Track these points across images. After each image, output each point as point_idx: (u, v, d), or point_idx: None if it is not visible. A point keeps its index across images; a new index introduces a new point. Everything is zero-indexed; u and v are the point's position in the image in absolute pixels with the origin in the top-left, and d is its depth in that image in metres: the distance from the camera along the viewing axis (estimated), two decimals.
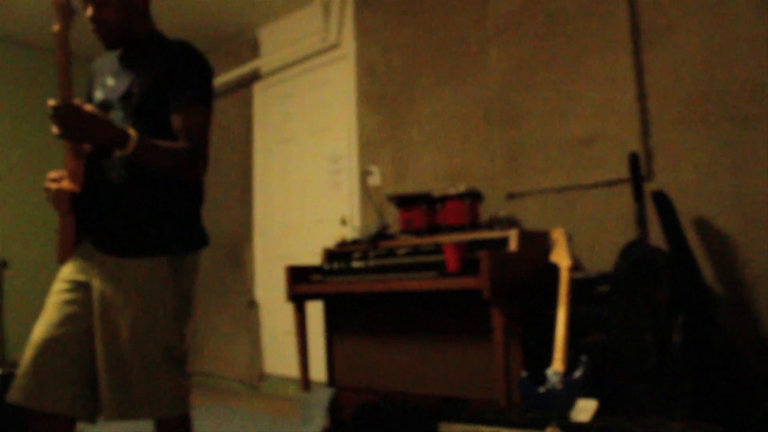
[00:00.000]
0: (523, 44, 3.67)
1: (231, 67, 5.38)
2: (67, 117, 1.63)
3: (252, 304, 5.25)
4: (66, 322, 1.79)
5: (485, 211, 3.45)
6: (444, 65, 4.02)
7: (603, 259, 3.21)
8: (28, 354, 1.77)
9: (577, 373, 2.51)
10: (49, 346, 1.76)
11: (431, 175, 4.02)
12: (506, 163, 3.70)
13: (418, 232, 3.34)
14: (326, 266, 3.40)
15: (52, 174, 1.85)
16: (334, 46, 4.71)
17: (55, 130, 1.65)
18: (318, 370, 3.82)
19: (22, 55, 5.66)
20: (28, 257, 5.26)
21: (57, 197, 1.75)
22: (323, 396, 3.23)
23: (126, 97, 1.86)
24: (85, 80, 2.08)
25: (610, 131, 3.31)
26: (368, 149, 4.38)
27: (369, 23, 4.48)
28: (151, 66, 1.88)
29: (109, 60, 2.02)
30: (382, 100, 4.34)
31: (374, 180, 4.17)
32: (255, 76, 5.36)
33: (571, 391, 2.50)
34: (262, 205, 5.19)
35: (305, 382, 3.48)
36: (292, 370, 4.88)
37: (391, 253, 3.22)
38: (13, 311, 4.74)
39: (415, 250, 3.12)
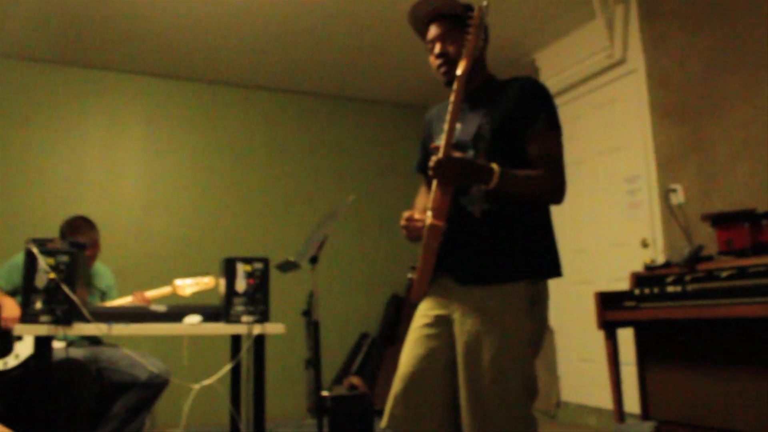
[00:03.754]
0: None
1: None
2: (447, 167, 1.79)
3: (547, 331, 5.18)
4: (429, 355, 1.91)
5: None
6: (753, 67, 3.65)
7: None
8: (397, 385, 1.92)
9: None
10: (415, 378, 1.90)
11: (745, 189, 3.65)
12: None
13: (742, 253, 3.04)
14: (637, 291, 3.24)
15: (407, 213, 1.98)
16: (621, 62, 4.52)
17: (436, 179, 1.82)
18: (626, 400, 3.63)
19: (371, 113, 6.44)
20: (332, 289, 5.73)
21: (430, 233, 1.85)
22: (642, 429, 3.05)
23: (478, 137, 1.93)
24: (422, 127, 2.23)
25: None
26: (668, 166, 4.11)
27: (659, 33, 4.24)
28: (496, 104, 1.95)
29: (447, 106, 2.12)
30: (681, 112, 4.06)
31: (678, 198, 3.91)
32: None
33: None
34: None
35: (619, 414, 3.33)
36: (591, 398, 4.71)
37: (711, 276, 2.97)
38: (321, 334, 5.21)
39: (742, 273, 2.85)
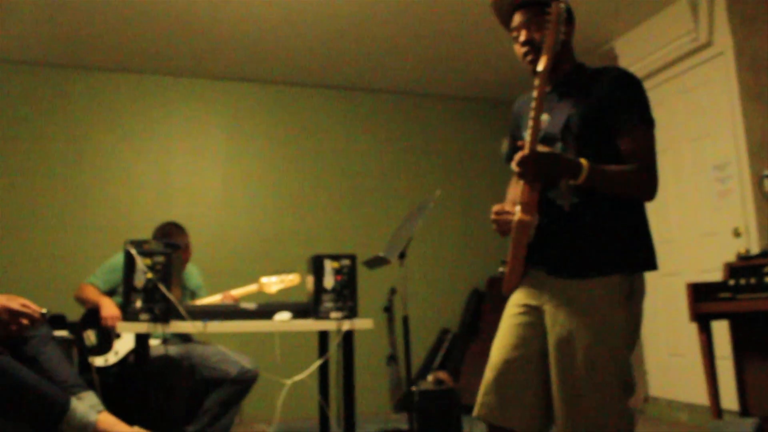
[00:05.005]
0: None
1: None
2: (533, 164, 1.76)
3: None
4: (520, 344, 1.89)
5: None
6: None
7: None
8: (488, 374, 1.91)
9: None
10: (506, 367, 1.88)
11: None
12: None
13: None
14: (732, 282, 3.13)
15: (497, 207, 1.96)
16: (707, 45, 4.36)
17: (520, 175, 1.80)
18: (721, 396, 3.50)
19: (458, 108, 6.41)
20: (411, 285, 5.73)
21: (519, 228, 1.83)
22: (744, 427, 2.94)
23: (566, 129, 1.89)
24: (510, 118, 2.18)
25: None
26: (761, 152, 3.94)
27: (748, 13, 4.06)
28: (586, 95, 1.90)
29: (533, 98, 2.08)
30: None
31: None
32: None
33: None
34: None
35: (717, 410, 3.22)
36: (682, 393, 4.57)
37: None
38: (400, 334, 5.24)
39: None
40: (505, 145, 2.19)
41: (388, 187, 6.02)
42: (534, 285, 1.93)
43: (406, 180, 6.07)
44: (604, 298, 1.81)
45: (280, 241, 5.61)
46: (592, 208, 1.85)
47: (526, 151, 1.77)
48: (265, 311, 2.90)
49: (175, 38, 4.96)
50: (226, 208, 5.61)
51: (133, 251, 2.65)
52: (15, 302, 2.08)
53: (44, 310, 2.21)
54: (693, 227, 4.52)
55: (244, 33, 4.91)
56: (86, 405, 2.05)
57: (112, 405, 3.26)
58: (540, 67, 1.81)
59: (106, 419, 2.07)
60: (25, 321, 2.09)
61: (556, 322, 1.84)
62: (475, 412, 1.91)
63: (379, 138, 6.12)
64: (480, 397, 1.91)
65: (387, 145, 6.13)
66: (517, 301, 1.97)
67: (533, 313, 1.91)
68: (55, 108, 5.35)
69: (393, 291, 5.51)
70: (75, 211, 5.26)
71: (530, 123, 1.78)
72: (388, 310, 5.46)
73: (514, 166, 1.80)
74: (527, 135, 1.79)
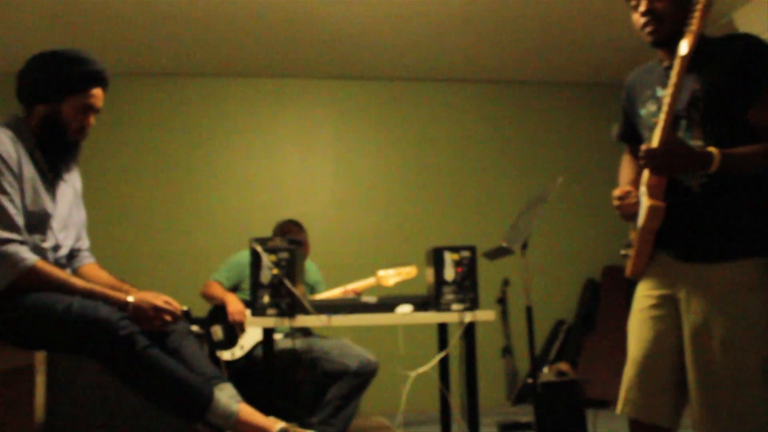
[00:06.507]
0: None
1: None
2: (660, 157, 1.70)
3: None
4: (657, 338, 1.85)
5: None
6: None
7: None
8: (630, 371, 1.89)
9: None
10: (646, 362, 1.85)
11: None
12: None
13: None
14: None
15: (618, 192, 1.91)
16: None
17: (648, 170, 1.75)
18: None
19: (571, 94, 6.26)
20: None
21: (651, 215, 1.78)
22: None
23: (691, 105, 1.80)
24: (623, 93, 2.10)
25: None
26: None
27: None
28: (711, 68, 1.80)
29: (651, 71, 1.98)
30: None
31: None
32: None
33: None
34: None
35: None
36: None
37: None
38: (515, 322, 5.20)
39: None
40: (615, 129, 2.13)
41: (501, 177, 5.95)
42: (664, 272, 1.87)
43: (518, 169, 5.97)
44: (741, 283, 1.73)
45: (393, 235, 5.66)
46: (723, 187, 1.77)
47: (654, 143, 1.71)
48: (386, 304, 2.92)
49: (282, 40, 5.08)
50: (339, 204, 5.72)
51: (259, 248, 2.74)
52: (159, 299, 2.20)
53: (185, 308, 2.32)
54: None
55: (348, 31, 4.97)
56: (227, 395, 2.14)
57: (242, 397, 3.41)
58: (683, 50, 1.72)
59: (246, 409, 2.15)
60: (168, 318, 2.20)
61: (689, 310, 1.78)
62: (619, 408, 1.89)
63: (491, 128, 6.04)
64: (623, 393, 1.89)
65: (499, 134, 6.05)
66: (647, 291, 1.91)
67: (666, 304, 1.85)
68: (174, 115, 5.62)
69: (506, 282, 5.46)
70: (197, 213, 5.51)
71: (662, 116, 1.71)
72: (502, 301, 5.42)
73: (639, 160, 1.75)
74: (659, 125, 1.72)
